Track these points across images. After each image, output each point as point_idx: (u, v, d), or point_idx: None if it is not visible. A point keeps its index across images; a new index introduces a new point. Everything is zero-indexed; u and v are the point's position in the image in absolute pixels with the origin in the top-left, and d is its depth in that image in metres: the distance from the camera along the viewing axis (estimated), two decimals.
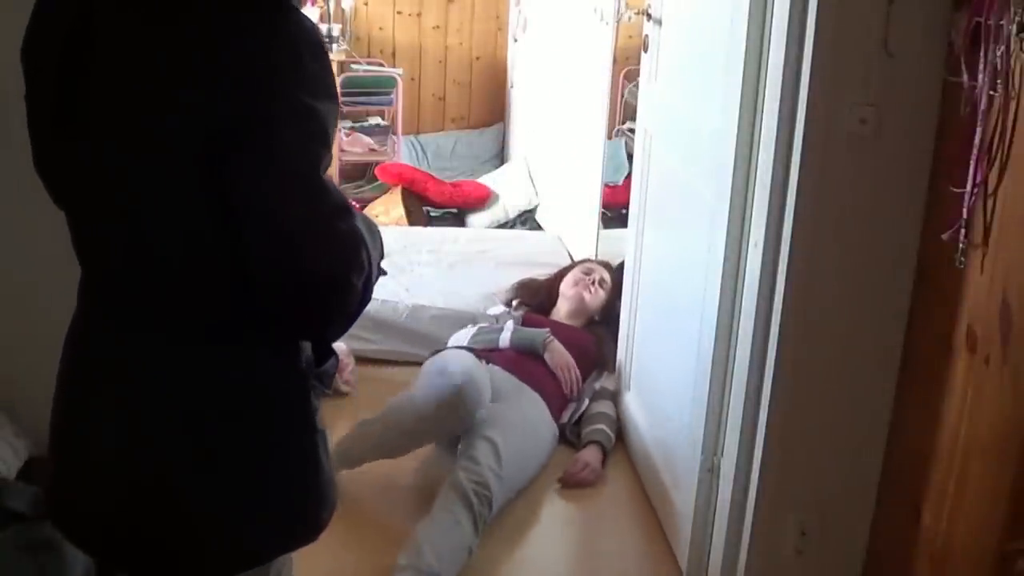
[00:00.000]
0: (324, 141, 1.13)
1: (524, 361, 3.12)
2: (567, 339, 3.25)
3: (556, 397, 3.11)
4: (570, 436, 3.11)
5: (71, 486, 1.34)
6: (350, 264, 1.16)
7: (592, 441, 3.02)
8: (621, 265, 3.40)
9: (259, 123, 1.08)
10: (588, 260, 3.83)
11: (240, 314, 1.21)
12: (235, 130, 1.08)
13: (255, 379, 1.25)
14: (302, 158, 1.11)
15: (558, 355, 3.17)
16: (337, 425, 3.13)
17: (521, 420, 2.88)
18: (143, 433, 1.25)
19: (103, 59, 1.16)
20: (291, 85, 1.09)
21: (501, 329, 3.24)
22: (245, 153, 1.08)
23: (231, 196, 1.11)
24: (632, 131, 4.59)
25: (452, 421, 2.72)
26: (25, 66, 1.27)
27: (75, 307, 1.35)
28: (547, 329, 3.27)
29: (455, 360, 2.90)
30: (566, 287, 3.55)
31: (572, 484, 2.90)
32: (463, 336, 3.28)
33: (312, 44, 1.13)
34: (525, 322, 3.36)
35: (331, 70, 1.17)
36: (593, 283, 3.54)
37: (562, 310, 3.53)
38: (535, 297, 3.63)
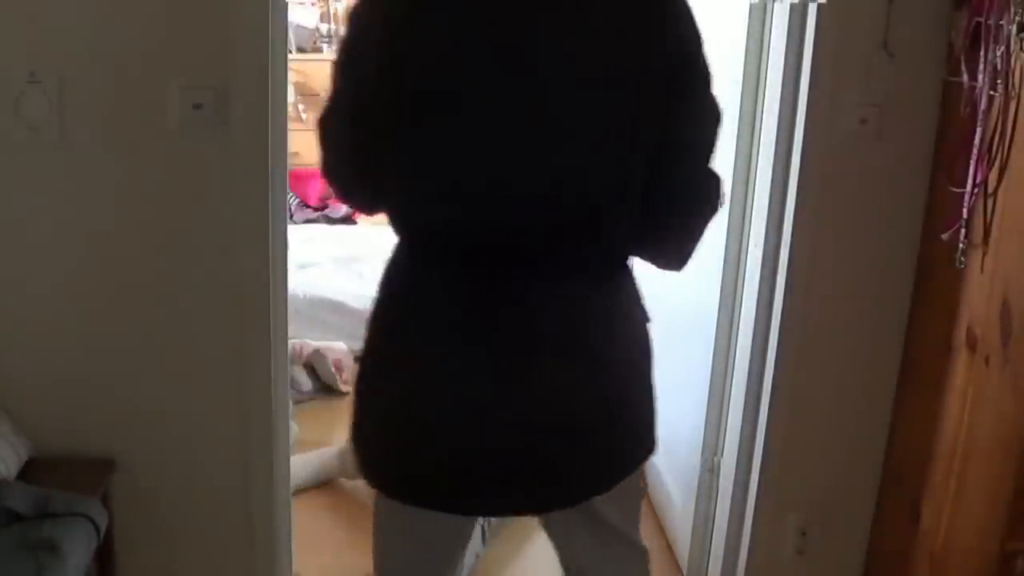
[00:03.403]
0: None
1: None
2: None
3: None
4: None
5: (468, 448, 1.36)
6: (721, 194, 1.44)
7: None
8: None
9: (697, 80, 1.35)
10: None
11: (623, 247, 1.41)
12: (681, 83, 1.32)
13: (627, 305, 1.45)
14: (717, 109, 1.38)
15: None
16: (336, 426, 3.13)
17: None
18: (568, 373, 1.36)
19: (550, 24, 1.28)
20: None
21: None
22: (687, 101, 1.33)
23: (671, 133, 1.33)
24: None
25: None
26: (357, 31, 1.34)
27: (406, 286, 1.40)
28: None
29: None
30: None
31: None
32: None
33: None
34: None
35: None
36: None
37: None
38: None
